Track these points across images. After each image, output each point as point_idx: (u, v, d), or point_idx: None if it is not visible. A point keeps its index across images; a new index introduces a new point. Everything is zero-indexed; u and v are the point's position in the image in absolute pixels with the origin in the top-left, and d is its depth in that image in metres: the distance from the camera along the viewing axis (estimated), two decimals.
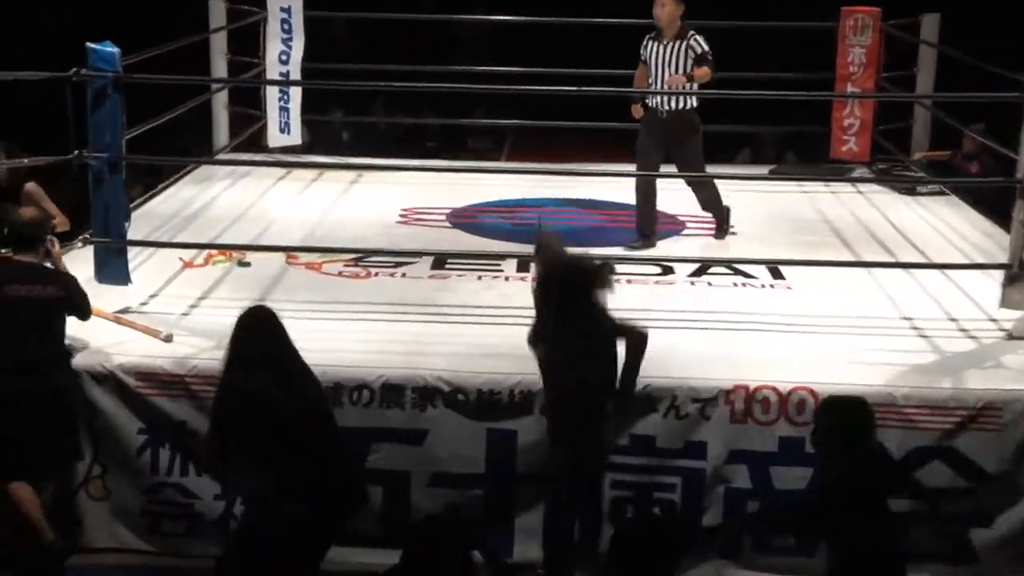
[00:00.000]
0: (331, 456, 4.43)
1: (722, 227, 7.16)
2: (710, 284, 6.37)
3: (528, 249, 6.80)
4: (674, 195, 7.34)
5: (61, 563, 4.96)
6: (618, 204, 7.40)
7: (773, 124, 9.59)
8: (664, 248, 6.92)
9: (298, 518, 4.30)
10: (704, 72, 6.71)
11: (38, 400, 4.88)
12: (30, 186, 6.21)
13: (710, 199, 7.12)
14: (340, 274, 6.43)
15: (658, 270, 6.54)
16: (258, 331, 4.45)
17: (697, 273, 6.50)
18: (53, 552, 4.92)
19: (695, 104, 6.83)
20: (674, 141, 6.85)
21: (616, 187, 7.54)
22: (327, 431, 4.46)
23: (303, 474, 4.31)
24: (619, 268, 6.47)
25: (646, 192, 6.91)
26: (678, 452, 5.10)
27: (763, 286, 6.33)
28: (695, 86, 6.74)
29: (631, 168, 7.13)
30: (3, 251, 5.12)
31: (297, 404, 4.34)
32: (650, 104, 6.91)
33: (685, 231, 7.36)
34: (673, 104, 6.82)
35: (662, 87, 6.79)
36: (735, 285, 6.36)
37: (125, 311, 5.65)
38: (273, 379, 4.35)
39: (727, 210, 7.17)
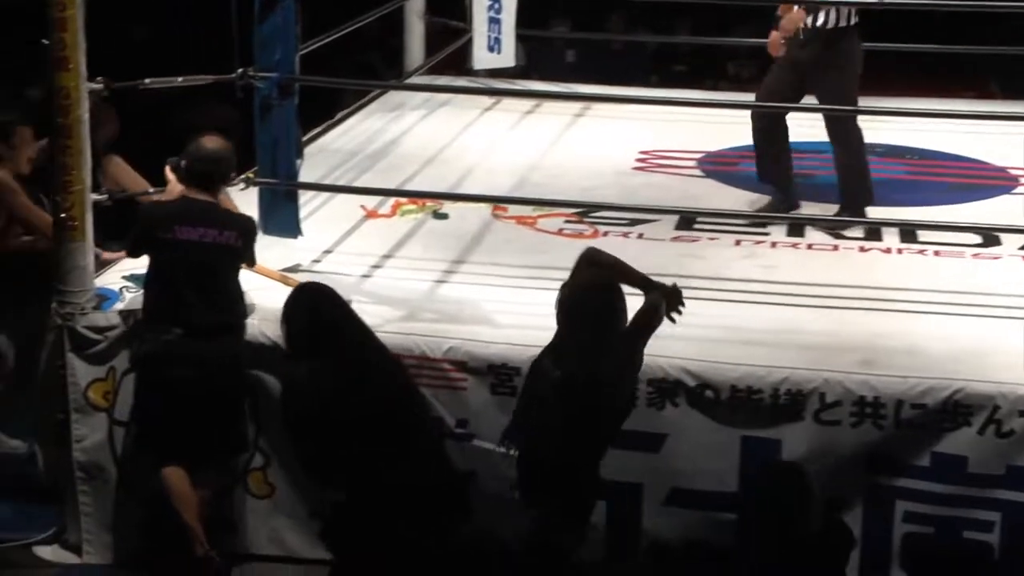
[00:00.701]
0: (430, 459, 4.62)
1: (852, 206, 6.55)
2: None
3: (805, 206, 6.78)
4: (1005, 140, 7.12)
5: None
6: (934, 152, 7.25)
7: None
8: (989, 210, 6.72)
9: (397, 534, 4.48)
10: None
11: (206, 369, 5.12)
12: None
13: (847, 164, 6.62)
14: (560, 232, 6.52)
15: (978, 240, 6.39)
16: (312, 315, 4.65)
17: None
18: (207, 567, 5.17)
19: (852, 21, 6.42)
20: (813, 78, 6.54)
21: (933, 131, 7.38)
22: (422, 427, 4.65)
23: (397, 482, 4.51)
24: (923, 236, 6.38)
25: (765, 133, 6.67)
26: (998, 480, 4.98)
27: None
28: None
29: (953, 106, 6.91)
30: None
31: (377, 396, 4.54)
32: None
33: (1018, 189, 7.13)
34: (810, 19, 6.42)
35: None
36: None
37: (294, 269, 5.87)
38: (340, 370, 4.54)
39: (867, 192, 6.62)
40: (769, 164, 6.76)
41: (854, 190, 6.61)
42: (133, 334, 5.32)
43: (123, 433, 5.44)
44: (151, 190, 5.92)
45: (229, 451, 5.32)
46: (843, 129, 6.59)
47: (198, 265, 5.16)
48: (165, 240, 5.15)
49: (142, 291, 5.37)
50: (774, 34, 6.62)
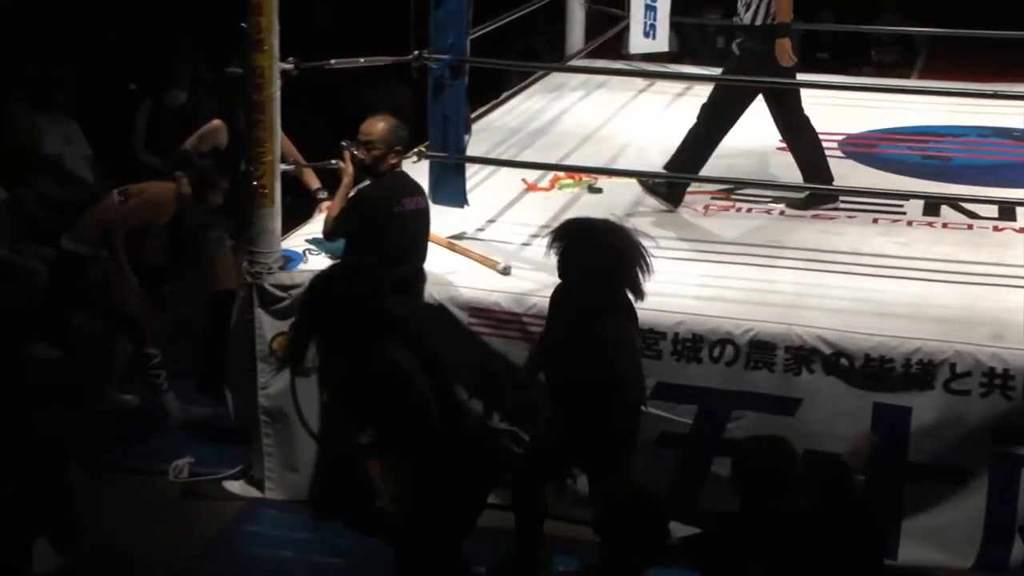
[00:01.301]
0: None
1: (665, 191, 6.36)
2: None
3: (940, 187, 6.65)
4: None
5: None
6: None
7: None
8: None
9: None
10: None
11: (404, 327, 5.18)
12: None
13: (684, 148, 6.41)
14: (706, 208, 6.50)
15: None
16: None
17: None
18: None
19: (753, 19, 6.19)
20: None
21: None
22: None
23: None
24: None
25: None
26: None
27: None
28: None
29: None
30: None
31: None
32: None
33: None
34: (748, 16, 6.22)
35: None
36: None
37: (460, 237, 5.96)
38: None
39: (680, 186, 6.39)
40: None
41: (681, 164, 6.38)
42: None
43: (303, 382, 5.54)
44: (333, 163, 5.98)
45: None
46: (711, 111, 6.43)
47: (417, 230, 5.32)
48: (397, 214, 5.25)
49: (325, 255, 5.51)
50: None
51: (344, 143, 5.37)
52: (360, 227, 5.25)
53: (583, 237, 4.65)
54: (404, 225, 5.28)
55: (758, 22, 6.20)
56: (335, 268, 4.79)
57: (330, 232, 5.36)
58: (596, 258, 4.59)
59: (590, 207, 6.44)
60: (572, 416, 4.62)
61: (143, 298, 6.30)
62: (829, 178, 6.43)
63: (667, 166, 6.45)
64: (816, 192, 6.43)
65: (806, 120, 6.48)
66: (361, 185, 5.40)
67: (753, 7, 6.19)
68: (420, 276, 5.39)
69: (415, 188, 5.41)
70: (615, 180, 6.68)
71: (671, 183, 6.40)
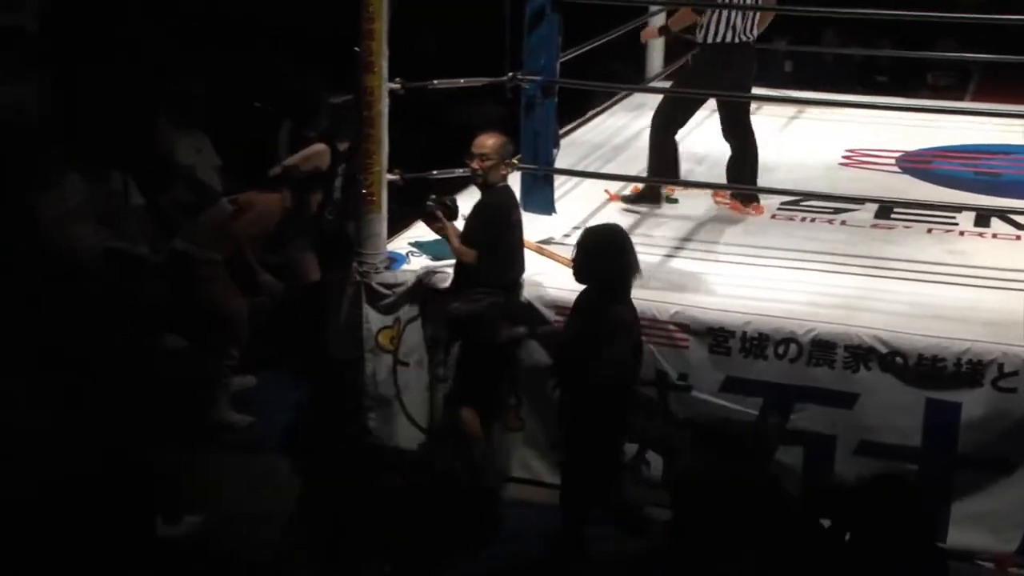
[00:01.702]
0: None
1: (649, 192, 6.50)
2: None
3: (990, 200, 6.54)
4: None
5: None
6: None
7: None
8: None
9: None
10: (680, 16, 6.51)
11: (515, 324, 5.31)
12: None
13: (650, 153, 6.50)
14: (773, 217, 6.45)
15: None
16: None
17: None
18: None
19: (705, 38, 6.40)
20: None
21: None
22: None
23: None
24: None
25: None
26: None
27: None
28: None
29: None
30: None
31: None
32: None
33: None
34: (699, 33, 6.47)
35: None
36: None
37: (547, 241, 5.97)
38: None
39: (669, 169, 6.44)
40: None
41: (654, 168, 6.48)
42: (461, 296, 5.32)
43: (404, 370, 5.60)
44: (435, 173, 5.99)
45: (507, 393, 5.44)
46: (658, 119, 6.54)
47: (521, 237, 5.37)
48: (514, 220, 5.33)
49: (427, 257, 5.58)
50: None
51: (430, 202, 5.36)
52: (494, 230, 5.25)
53: (585, 244, 4.80)
54: (516, 231, 5.34)
55: (709, 40, 6.42)
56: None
57: (470, 255, 5.25)
58: (597, 259, 4.74)
59: (666, 215, 6.44)
60: (576, 397, 4.71)
61: (245, 304, 6.24)
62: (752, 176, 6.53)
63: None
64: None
65: (749, 125, 6.69)
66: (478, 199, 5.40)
67: (703, 28, 6.43)
68: (521, 281, 5.41)
69: (517, 200, 5.46)
70: (689, 191, 6.65)
71: (642, 195, 6.55)
